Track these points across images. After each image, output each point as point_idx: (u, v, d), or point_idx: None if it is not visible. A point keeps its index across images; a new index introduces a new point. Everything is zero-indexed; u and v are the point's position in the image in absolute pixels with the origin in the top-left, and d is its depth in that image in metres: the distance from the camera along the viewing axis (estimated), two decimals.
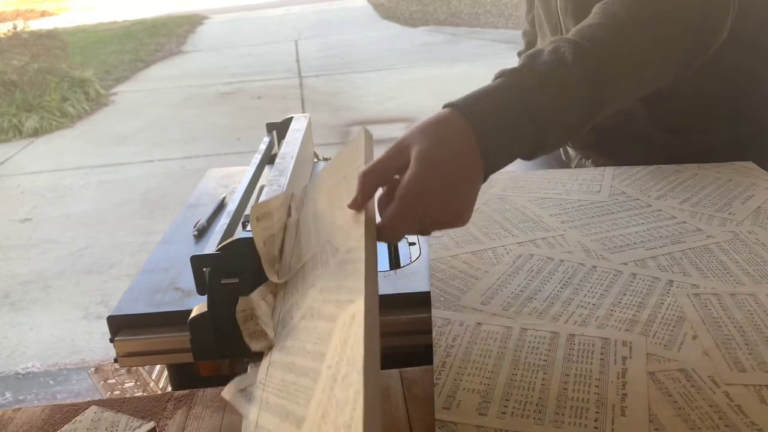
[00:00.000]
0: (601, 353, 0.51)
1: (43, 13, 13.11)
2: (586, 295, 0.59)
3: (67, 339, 2.22)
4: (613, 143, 0.93)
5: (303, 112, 1.02)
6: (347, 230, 0.48)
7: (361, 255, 0.42)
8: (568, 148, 1.06)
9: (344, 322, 0.38)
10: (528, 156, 0.55)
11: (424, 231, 0.53)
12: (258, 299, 0.49)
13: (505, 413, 0.46)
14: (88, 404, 0.54)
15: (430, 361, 0.52)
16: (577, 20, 0.79)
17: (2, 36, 6.78)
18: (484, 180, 0.52)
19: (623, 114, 0.89)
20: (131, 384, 1.09)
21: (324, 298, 0.44)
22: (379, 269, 0.68)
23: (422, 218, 0.50)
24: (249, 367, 0.47)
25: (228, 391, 0.45)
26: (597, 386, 0.48)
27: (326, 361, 0.37)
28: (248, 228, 0.66)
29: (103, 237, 2.98)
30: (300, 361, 0.41)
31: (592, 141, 0.95)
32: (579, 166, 1.01)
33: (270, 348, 0.47)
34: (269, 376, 0.44)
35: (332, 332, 0.39)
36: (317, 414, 0.35)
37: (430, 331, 0.55)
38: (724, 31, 0.64)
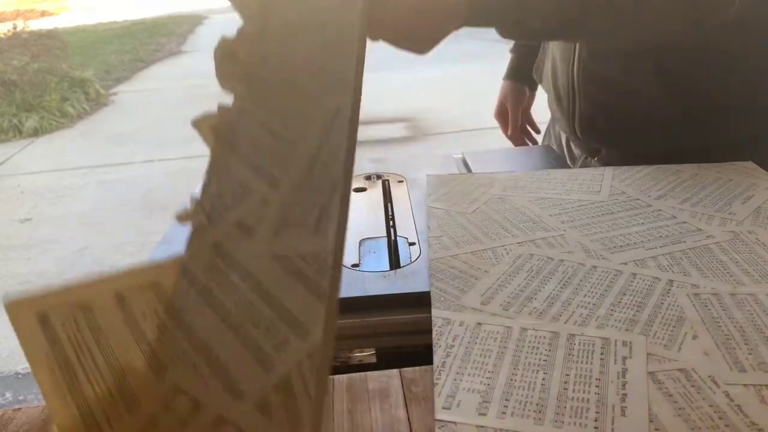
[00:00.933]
0: (601, 353, 0.51)
1: (43, 13, 13.11)
2: (586, 295, 0.59)
3: None
4: (625, 131, 0.92)
5: None
6: (334, 5, 0.47)
7: (353, 47, 0.42)
8: (573, 146, 1.05)
9: (327, 108, 0.39)
10: (504, 32, 0.66)
11: (390, 40, 0.60)
12: (237, 42, 0.49)
13: (505, 413, 0.46)
14: None
15: (430, 361, 0.52)
16: None
17: (2, 36, 6.77)
18: (456, 28, 0.62)
19: (636, 98, 0.89)
20: None
21: (305, 68, 0.44)
22: (378, 269, 0.68)
23: (396, 27, 0.59)
24: (217, 106, 0.48)
25: (198, 124, 0.45)
26: (597, 386, 0.48)
27: (307, 140, 0.39)
28: None
29: (103, 237, 2.98)
30: (276, 126, 0.42)
31: (605, 128, 0.95)
32: (584, 165, 1.01)
33: (241, 95, 0.48)
34: (240, 119, 0.45)
35: (314, 112, 0.40)
36: (292, 181, 0.37)
37: (430, 331, 0.55)
38: (719, 19, 0.67)
